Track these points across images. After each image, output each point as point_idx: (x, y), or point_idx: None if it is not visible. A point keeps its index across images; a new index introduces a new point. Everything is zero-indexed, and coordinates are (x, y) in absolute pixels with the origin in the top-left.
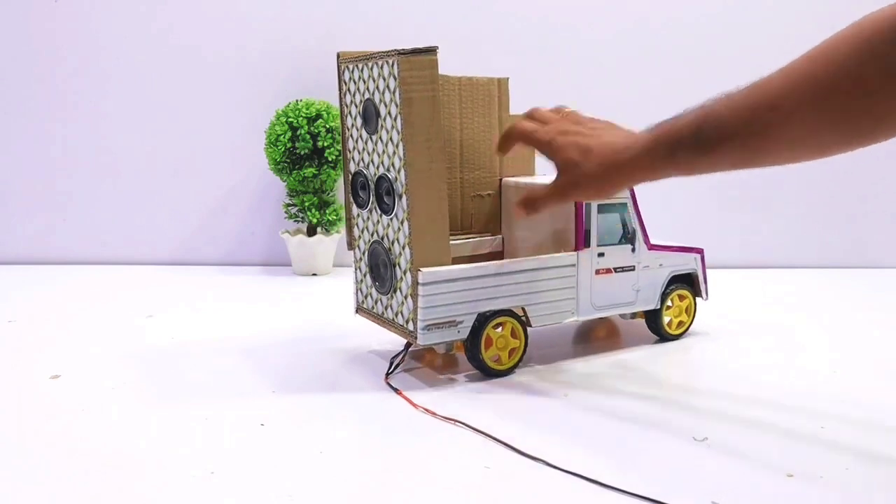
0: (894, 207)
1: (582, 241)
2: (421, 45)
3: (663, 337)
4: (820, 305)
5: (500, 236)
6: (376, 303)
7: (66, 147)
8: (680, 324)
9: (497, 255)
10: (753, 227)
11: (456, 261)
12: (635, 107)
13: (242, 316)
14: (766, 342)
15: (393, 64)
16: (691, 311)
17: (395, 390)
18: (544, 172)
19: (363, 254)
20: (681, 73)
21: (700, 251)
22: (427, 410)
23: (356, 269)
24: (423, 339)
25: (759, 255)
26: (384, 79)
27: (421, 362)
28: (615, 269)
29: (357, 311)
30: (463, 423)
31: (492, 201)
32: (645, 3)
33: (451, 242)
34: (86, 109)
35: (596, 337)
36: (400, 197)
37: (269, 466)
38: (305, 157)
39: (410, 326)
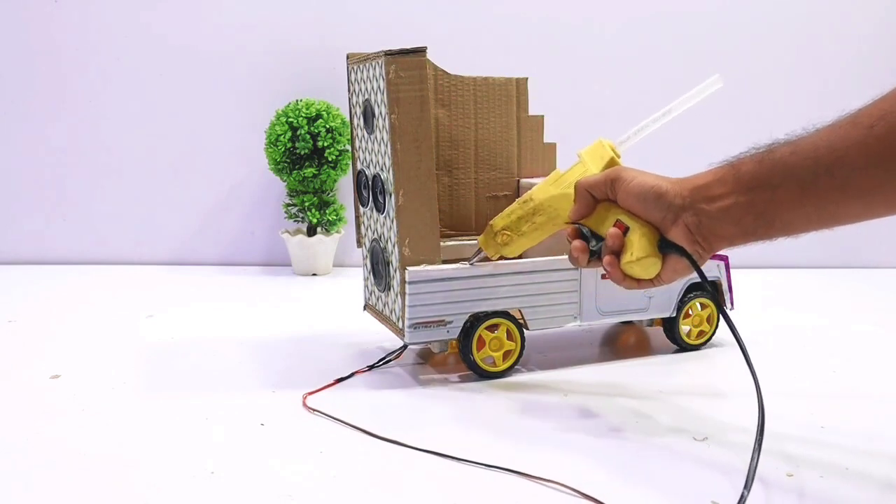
0: None
1: None
2: (409, 46)
3: (682, 346)
4: (820, 305)
5: None
6: (378, 300)
7: (66, 147)
8: (701, 333)
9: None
10: None
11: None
12: (652, 105)
13: (242, 316)
14: (764, 342)
15: (382, 64)
16: (713, 321)
17: (338, 380)
18: None
19: (368, 251)
20: (694, 70)
21: (724, 258)
22: (313, 409)
23: (364, 267)
24: (409, 338)
25: (759, 256)
26: (377, 79)
27: (429, 361)
28: None
29: (364, 308)
30: (349, 424)
31: (508, 202)
32: (664, 4)
33: (466, 243)
34: (86, 109)
35: (620, 344)
36: (390, 196)
37: (269, 466)
38: (305, 157)
39: (400, 324)
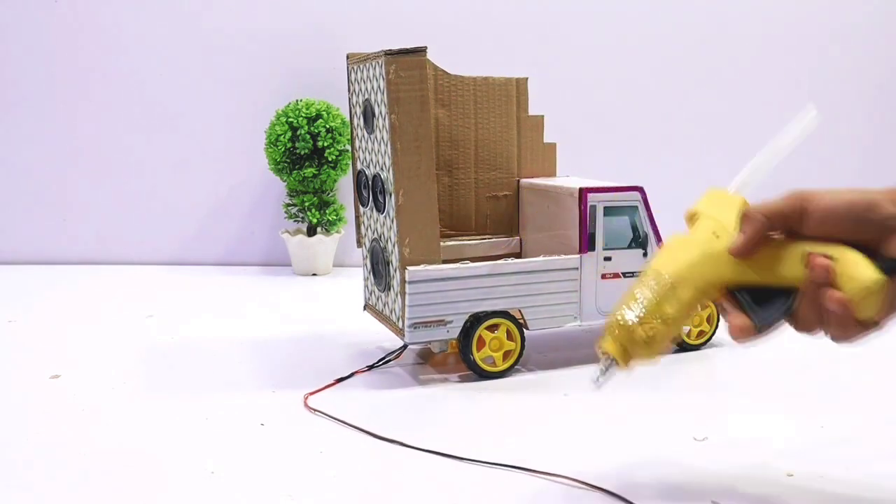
0: None
1: (586, 244)
2: (409, 46)
3: (682, 346)
4: None
5: (517, 238)
6: (378, 300)
7: (66, 147)
8: (701, 333)
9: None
10: None
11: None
12: (651, 105)
13: (242, 316)
14: (764, 342)
15: (382, 64)
16: (713, 321)
17: (338, 380)
18: (566, 174)
19: (368, 251)
20: (697, 71)
21: None
22: (314, 410)
23: (364, 267)
24: (409, 338)
25: None
26: (377, 79)
27: (429, 361)
28: (624, 274)
29: (364, 308)
30: (352, 425)
31: (508, 202)
32: (663, 4)
33: (466, 243)
34: (86, 110)
35: None
36: (390, 195)
37: (269, 466)
38: (305, 157)
39: (400, 324)
